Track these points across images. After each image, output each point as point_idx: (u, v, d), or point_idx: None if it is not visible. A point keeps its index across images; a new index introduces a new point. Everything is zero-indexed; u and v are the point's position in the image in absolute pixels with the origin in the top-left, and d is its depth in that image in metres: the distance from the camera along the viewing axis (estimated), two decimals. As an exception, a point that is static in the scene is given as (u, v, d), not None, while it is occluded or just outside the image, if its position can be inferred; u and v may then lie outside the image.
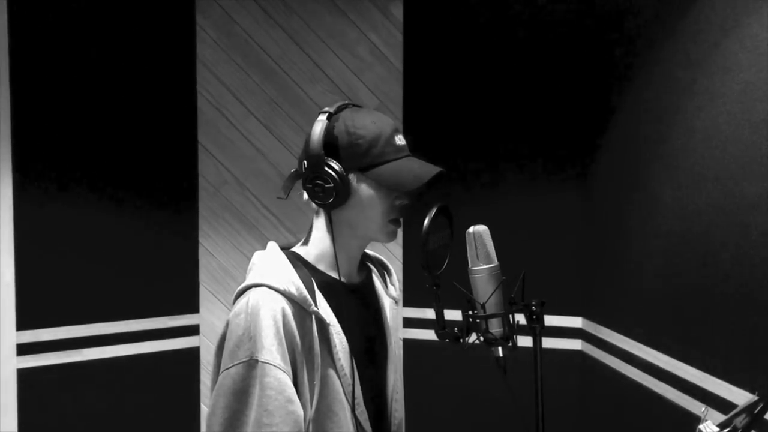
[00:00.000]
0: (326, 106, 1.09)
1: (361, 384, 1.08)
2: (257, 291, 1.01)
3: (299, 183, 1.10)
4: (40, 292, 2.35)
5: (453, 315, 0.98)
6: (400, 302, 2.62)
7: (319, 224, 1.12)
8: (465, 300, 1.00)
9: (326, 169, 1.03)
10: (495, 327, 0.97)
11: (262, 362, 0.96)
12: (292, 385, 0.98)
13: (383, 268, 1.28)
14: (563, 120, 2.42)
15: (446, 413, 2.60)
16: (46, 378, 2.37)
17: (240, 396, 0.96)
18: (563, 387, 2.41)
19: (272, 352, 0.96)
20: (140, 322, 2.57)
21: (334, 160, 1.04)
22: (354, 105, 1.13)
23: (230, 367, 0.97)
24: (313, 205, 1.09)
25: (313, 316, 1.03)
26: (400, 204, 1.09)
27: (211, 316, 2.75)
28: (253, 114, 2.72)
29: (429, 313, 2.59)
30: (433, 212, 0.98)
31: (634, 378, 1.96)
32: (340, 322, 1.07)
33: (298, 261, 1.09)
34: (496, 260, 0.99)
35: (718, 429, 0.87)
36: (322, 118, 1.06)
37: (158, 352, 2.61)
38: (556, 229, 2.45)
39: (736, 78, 1.46)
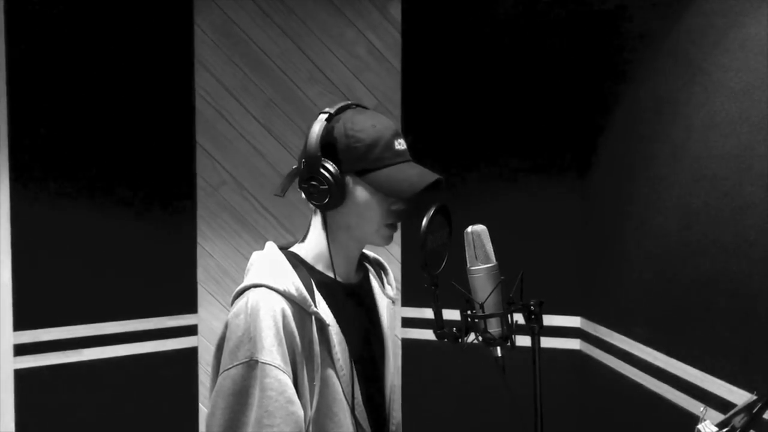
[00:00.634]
0: (325, 106, 1.08)
1: (360, 384, 1.08)
2: (256, 291, 1.00)
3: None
4: (37, 292, 2.35)
5: (452, 315, 0.99)
6: (398, 302, 2.62)
7: (317, 224, 1.12)
8: (464, 300, 0.99)
9: (321, 170, 1.03)
10: (494, 327, 0.97)
11: (263, 363, 0.95)
12: (292, 386, 0.97)
13: (380, 268, 1.28)
14: (562, 120, 2.43)
15: (445, 413, 2.60)
16: (44, 379, 2.37)
17: (240, 397, 0.96)
18: (562, 386, 2.41)
19: (272, 353, 0.96)
20: (138, 323, 2.57)
21: (332, 161, 1.03)
22: (359, 106, 1.12)
23: (230, 367, 0.97)
24: (311, 204, 1.09)
25: (313, 317, 1.02)
26: (396, 209, 1.08)
27: (210, 316, 2.74)
28: (252, 114, 2.72)
29: (428, 313, 2.58)
30: (431, 212, 0.97)
31: (632, 377, 1.96)
32: (338, 322, 1.06)
33: (296, 261, 1.09)
34: (494, 260, 0.99)
35: (716, 428, 0.87)
36: (322, 119, 1.06)
37: (156, 352, 2.60)
38: (554, 229, 2.45)
39: (735, 78, 1.46)
